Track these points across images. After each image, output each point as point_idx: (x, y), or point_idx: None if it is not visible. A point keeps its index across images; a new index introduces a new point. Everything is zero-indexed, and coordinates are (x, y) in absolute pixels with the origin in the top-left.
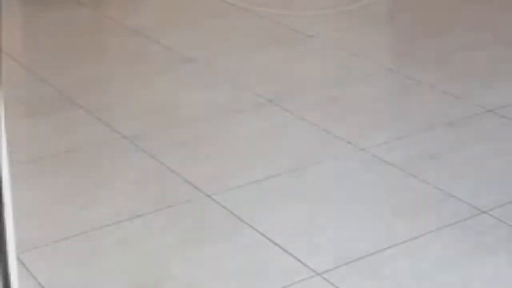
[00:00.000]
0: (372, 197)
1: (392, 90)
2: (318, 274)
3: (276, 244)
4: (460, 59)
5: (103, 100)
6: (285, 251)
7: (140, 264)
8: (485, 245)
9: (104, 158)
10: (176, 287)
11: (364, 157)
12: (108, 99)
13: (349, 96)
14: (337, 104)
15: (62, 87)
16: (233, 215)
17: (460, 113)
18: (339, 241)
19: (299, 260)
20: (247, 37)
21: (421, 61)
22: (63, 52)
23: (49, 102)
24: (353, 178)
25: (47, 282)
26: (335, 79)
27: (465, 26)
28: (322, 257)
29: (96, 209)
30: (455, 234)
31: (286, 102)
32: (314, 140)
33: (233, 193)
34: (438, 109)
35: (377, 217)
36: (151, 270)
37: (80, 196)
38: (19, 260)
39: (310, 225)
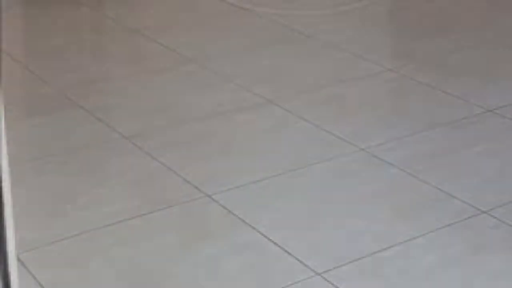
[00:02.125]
0: (372, 197)
1: (392, 90)
2: (318, 274)
3: (276, 244)
4: (460, 59)
5: (103, 100)
6: (285, 251)
7: (140, 264)
8: (485, 245)
9: (104, 158)
10: (176, 287)
11: (364, 157)
12: (108, 99)
13: (349, 96)
14: (337, 104)
15: (62, 87)
16: (233, 215)
17: (460, 113)
18: (339, 241)
19: (299, 260)
20: (247, 37)
21: (421, 61)
22: (63, 52)
23: (49, 102)
24: (353, 178)
25: (47, 282)
26: (335, 79)
27: (465, 26)
28: (322, 257)
29: (96, 209)
30: (455, 234)
31: (286, 102)
32: (314, 140)
33: (233, 193)
34: (438, 109)
35: (377, 217)
36: (151, 270)
37: (80, 196)
38: (19, 260)
39: (310, 225)
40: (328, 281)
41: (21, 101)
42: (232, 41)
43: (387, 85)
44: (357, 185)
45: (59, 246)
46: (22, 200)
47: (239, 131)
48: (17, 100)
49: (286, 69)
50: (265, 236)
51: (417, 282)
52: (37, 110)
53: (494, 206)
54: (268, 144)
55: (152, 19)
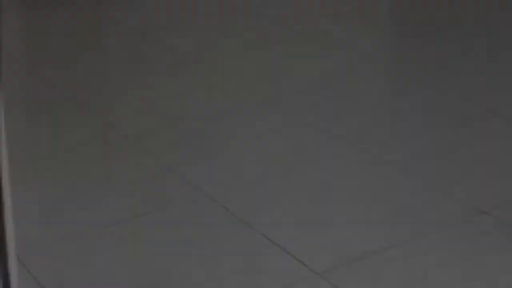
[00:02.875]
0: (372, 197)
1: (392, 90)
2: (318, 274)
3: (276, 244)
4: (460, 59)
5: (103, 100)
6: (285, 251)
7: (140, 264)
8: (485, 245)
9: (104, 158)
10: (176, 287)
11: (364, 157)
12: (108, 99)
13: (349, 96)
14: (337, 104)
15: (62, 87)
16: (233, 215)
17: (460, 113)
18: (339, 241)
19: (299, 260)
20: (247, 37)
21: (421, 61)
22: (63, 52)
23: (49, 102)
24: (353, 178)
25: (47, 282)
26: (335, 79)
27: (465, 26)
28: (322, 257)
29: (96, 209)
30: (455, 234)
31: (286, 102)
32: (314, 140)
33: (233, 193)
34: (438, 109)
35: (377, 217)
36: (151, 270)
37: (80, 196)
38: (19, 260)
39: (310, 225)
40: (328, 281)
41: (21, 101)
42: (232, 41)
43: (387, 84)
44: (357, 185)
45: (59, 246)
46: (22, 200)
47: (239, 131)
48: (17, 100)
49: (286, 69)
50: (265, 236)
51: (417, 282)
52: (37, 110)
53: (494, 206)
54: (268, 144)
55: (153, 19)
